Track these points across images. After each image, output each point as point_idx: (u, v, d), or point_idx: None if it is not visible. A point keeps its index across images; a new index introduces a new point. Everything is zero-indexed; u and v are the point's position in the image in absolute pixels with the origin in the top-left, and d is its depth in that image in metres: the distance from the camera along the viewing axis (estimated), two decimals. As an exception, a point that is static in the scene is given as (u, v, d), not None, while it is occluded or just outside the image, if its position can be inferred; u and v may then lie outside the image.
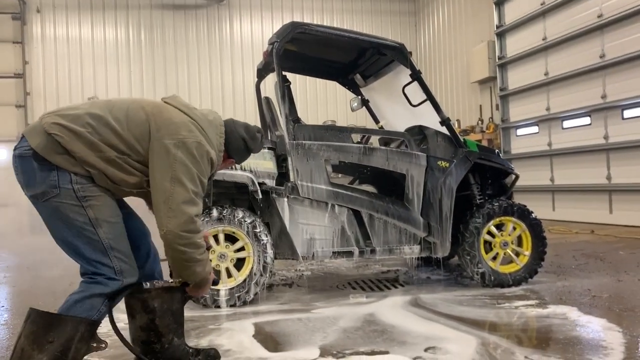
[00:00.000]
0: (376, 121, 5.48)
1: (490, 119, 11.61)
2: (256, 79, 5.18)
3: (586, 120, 9.12)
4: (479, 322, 3.39)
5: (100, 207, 2.16)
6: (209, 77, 13.67)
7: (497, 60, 11.25)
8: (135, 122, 2.19)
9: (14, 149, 2.17)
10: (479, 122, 11.83)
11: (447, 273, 5.11)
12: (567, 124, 9.60)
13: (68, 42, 12.88)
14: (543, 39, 9.91)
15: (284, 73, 4.36)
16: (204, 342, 3.12)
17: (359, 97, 5.45)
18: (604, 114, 8.68)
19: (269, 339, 3.18)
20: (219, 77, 13.63)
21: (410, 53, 4.41)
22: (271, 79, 5.34)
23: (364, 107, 5.47)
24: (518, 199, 5.14)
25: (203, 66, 13.66)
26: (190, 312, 3.65)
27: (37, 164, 2.09)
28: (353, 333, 3.23)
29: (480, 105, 12.02)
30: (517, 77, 10.87)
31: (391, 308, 3.83)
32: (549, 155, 10.04)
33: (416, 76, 4.41)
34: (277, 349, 2.99)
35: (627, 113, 8.28)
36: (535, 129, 10.44)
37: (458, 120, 12.47)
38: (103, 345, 2.20)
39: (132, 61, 13.21)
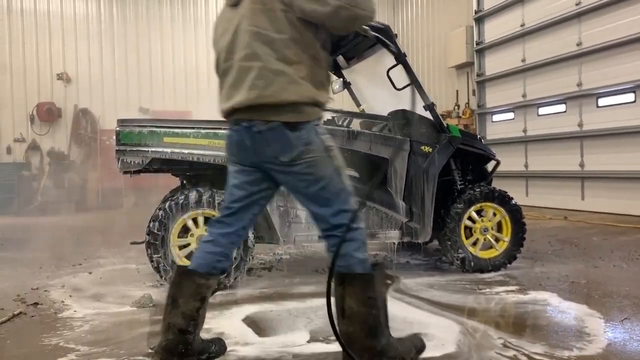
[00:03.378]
0: (357, 104, 5.41)
1: (467, 104, 11.67)
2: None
3: (561, 107, 9.23)
4: (461, 308, 3.39)
5: (338, 157, 2.33)
6: (183, 57, 13.35)
7: (474, 46, 11.26)
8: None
9: (249, 128, 2.26)
10: (456, 107, 11.87)
11: (426, 257, 5.12)
12: (542, 110, 9.70)
13: (36, 15, 12.39)
14: (521, 26, 9.95)
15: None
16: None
17: (341, 79, 5.36)
18: (579, 101, 8.79)
19: (254, 324, 3.12)
20: (194, 57, 13.32)
21: (396, 35, 4.34)
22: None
23: (344, 90, 5.39)
24: (492, 184, 5.15)
25: (177, 45, 13.31)
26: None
27: (289, 130, 2.22)
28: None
29: (457, 90, 12.05)
30: (494, 63, 10.92)
31: (373, 293, 3.79)
32: (524, 141, 10.15)
33: (401, 59, 4.34)
34: (264, 334, 2.94)
35: (602, 101, 8.40)
36: (511, 115, 10.53)
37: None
38: (395, 277, 2.45)
39: (103, 37, 12.81)
